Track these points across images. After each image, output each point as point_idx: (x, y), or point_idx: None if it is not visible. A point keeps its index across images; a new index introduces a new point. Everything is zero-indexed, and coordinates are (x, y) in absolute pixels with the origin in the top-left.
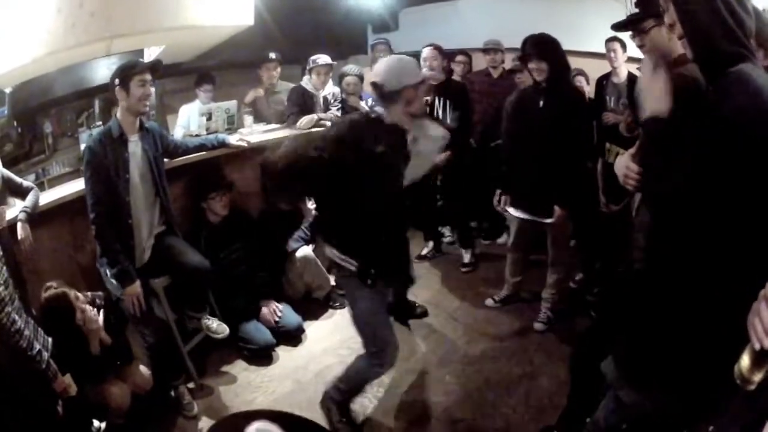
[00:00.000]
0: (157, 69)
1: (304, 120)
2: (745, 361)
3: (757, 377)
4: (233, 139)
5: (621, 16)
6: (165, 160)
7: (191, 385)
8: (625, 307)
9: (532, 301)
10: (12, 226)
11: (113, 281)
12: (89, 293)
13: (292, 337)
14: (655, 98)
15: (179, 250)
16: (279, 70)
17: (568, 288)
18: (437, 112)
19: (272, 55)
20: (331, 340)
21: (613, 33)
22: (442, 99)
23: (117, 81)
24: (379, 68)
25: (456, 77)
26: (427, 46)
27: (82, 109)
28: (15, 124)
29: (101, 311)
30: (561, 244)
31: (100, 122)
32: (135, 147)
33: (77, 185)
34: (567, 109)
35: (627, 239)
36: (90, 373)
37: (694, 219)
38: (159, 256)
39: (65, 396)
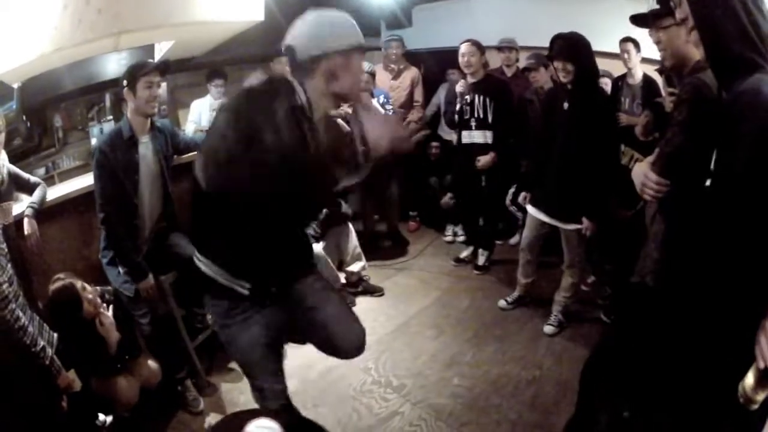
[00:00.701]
0: (165, 70)
1: None
2: (749, 380)
3: (761, 397)
4: None
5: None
6: (174, 156)
7: (197, 381)
8: (637, 322)
9: (542, 304)
10: (19, 221)
11: (121, 278)
12: (98, 288)
13: None
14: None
15: (176, 243)
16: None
17: (580, 291)
18: (477, 112)
19: (283, 50)
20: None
21: (626, 33)
22: (481, 97)
23: (125, 82)
24: (296, 26)
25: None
26: (465, 41)
27: (93, 104)
28: (24, 118)
29: (110, 306)
30: (576, 247)
31: (111, 116)
32: (145, 148)
33: (87, 179)
34: (591, 114)
35: (639, 245)
36: (99, 367)
37: (709, 232)
38: (160, 252)
39: (69, 391)
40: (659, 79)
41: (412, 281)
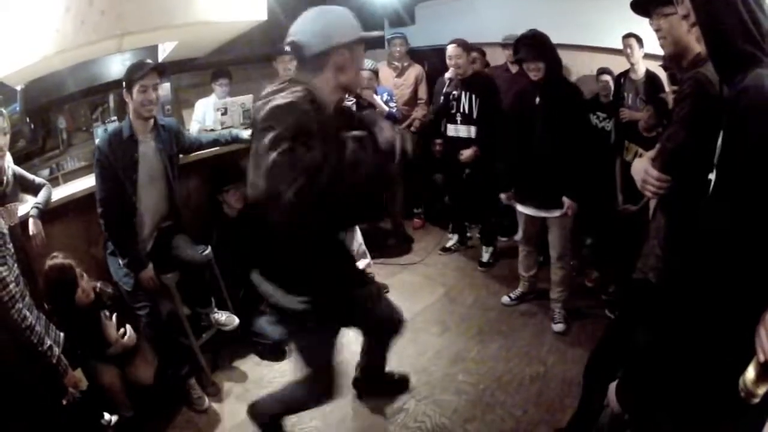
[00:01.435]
0: (162, 72)
1: None
2: (750, 373)
3: (762, 390)
4: (247, 134)
5: None
6: (180, 156)
7: (201, 380)
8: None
9: (546, 300)
10: (24, 222)
11: (122, 271)
12: (99, 282)
13: None
14: None
15: (177, 245)
16: (295, 63)
17: (583, 286)
18: (463, 107)
19: (287, 48)
20: (345, 335)
21: (628, 29)
22: (468, 93)
23: (124, 85)
24: (300, 23)
25: None
26: (450, 42)
27: (97, 105)
28: (28, 120)
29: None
30: (563, 238)
31: (115, 117)
32: (147, 147)
33: (91, 180)
34: (563, 104)
35: (643, 241)
36: (91, 353)
37: (710, 228)
38: (163, 252)
39: (76, 390)
40: (662, 75)
41: (417, 278)
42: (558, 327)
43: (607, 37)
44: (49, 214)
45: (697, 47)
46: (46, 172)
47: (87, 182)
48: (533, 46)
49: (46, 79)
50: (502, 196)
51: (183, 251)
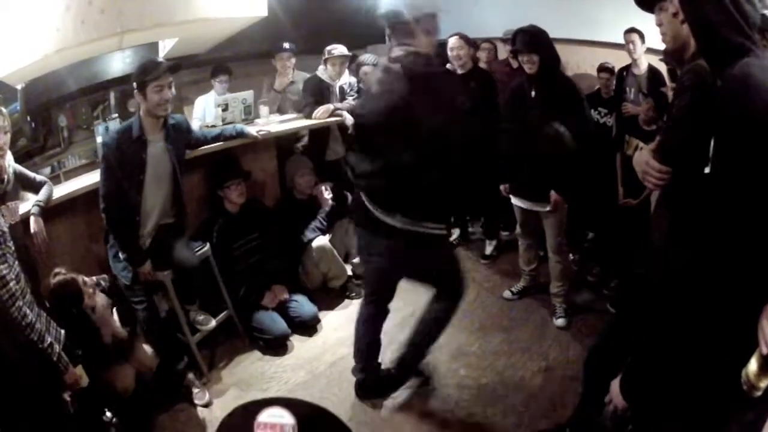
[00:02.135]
0: (174, 71)
1: (320, 110)
2: (752, 366)
3: (764, 383)
4: (251, 130)
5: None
6: (186, 152)
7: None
8: (640, 312)
9: (547, 295)
10: (25, 220)
11: (121, 264)
12: (94, 277)
13: (308, 327)
14: None
15: (171, 245)
16: (293, 60)
17: (585, 280)
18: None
19: (286, 45)
20: (347, 330)
21: (631, 24)
22: (466, 87)
23: (135, 85)
24: None
25: (482, 65)
26: (453, 35)
27: (98, 102)
28: (28, 119)
29: (105, 294)
30: (557, 231)
31: (116, 114)
32: (155, 148)
33: (93, 177)
34: (558, 99)
35: (645, 234)
36: (99, 359)
37: (710, 219)
38: (160, 249)
39: (76, 388)
40: (664, 69)
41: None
42: (560, 321)
43: (608, 31)
44: (50, 212)
45: None
46: (47, 170)
47: (88, 180)
48: (529, 38)
49: (47, 77)
50: (501, 188)
51: (178, 251)
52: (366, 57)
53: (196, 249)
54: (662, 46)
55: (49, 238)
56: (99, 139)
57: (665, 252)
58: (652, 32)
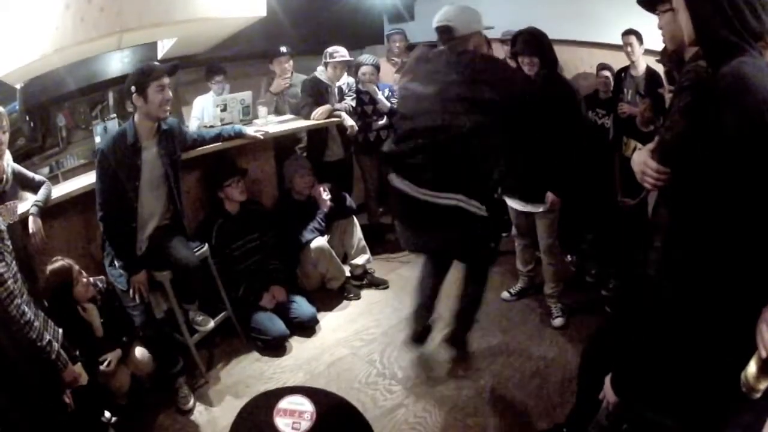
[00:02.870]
0: (174, 71)
1: (319, 111)
2: (751, 368)
3: (763, 385)
4: (250, 130)
5: (638, 8)
6: (181, 154)
7: (195, 377)
8: (638, 312)
9: (545, 295)
10: (24, 219)
11: (117, 271)
12: (91, 278)
13: (306, 328)
14: None
15: (171, 245)
16: (291, 62)
17: (583, 281)
18: None
19: (283, 49)
20: (345, 331)
21: (629, 25)
22: None
23: (133, 88)
24: (449, 13)
25: None
26: None
27: (96, 102)
28: (27, 118)
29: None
30: (549, 233)
31: (114, 114)
32: (149, 154)
33: (91, 177)
34: (555, 101)
35: (643, 235)
36: (94, 354)
37: (713, 221)
38: (158, 250)
39: (76, 386)
40: (661, 70)
41: (417, 274)
42: (557, 322)
43: (607, 32)
44: (48, 211)
45: None
46: (45, 170)
47: (86, 180)
48: (530, 41)
49: (46, 77)
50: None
51: (177, 251)
52: (365, 57)
53: (195, 249)
54: (660, 48)
55: (47, 238)
56: (98, 139)
57: (663, 252)
58: (651, 34)
